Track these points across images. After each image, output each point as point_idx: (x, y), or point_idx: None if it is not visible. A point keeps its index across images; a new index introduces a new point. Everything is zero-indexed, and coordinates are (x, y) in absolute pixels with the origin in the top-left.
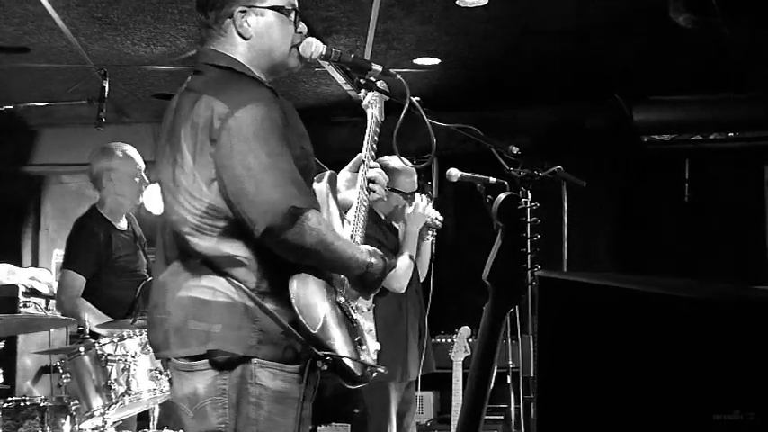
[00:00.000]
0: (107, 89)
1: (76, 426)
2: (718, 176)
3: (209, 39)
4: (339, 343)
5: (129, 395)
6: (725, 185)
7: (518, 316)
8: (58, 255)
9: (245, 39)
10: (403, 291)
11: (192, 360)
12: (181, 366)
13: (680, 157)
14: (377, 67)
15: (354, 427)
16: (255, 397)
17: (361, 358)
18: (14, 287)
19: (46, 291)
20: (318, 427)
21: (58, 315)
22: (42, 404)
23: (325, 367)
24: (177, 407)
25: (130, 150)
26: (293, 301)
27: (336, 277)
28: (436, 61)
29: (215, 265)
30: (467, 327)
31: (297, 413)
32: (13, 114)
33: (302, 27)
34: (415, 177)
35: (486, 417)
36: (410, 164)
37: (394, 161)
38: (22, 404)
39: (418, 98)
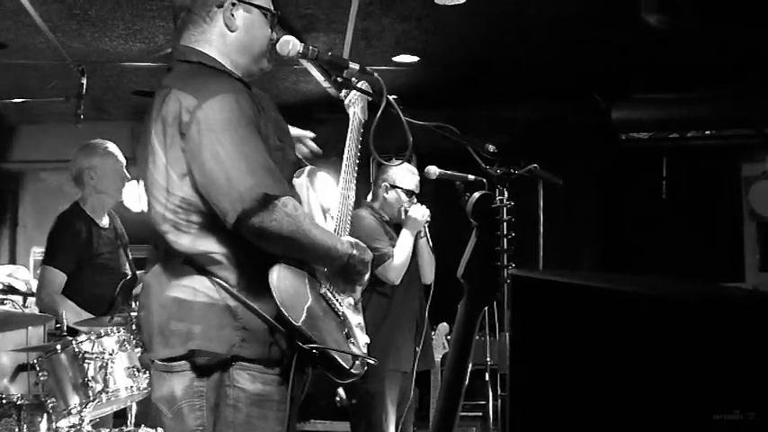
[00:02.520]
0: (85, 86)
1: (53, 424)
2: (695, 174)
3: (191, 26)
4: (325, 335)
5: (107, 393)
6: (702, 183)
7: (495, 313)
8: (35, 252)
9: (231, 30)
10: (396, 283)
11: (171, 361)
12: (160, 367)
13: (658, 154)
14: (354, 66)
15: (352, 417)
16: (234, 399)
17: (353, 351)
18: None
19: (23, 288)
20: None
21: (36, 312)
22: (19, 402)
23: (314, 362)
24: (156, 407)
25: (112, 147)
26: (274, 293)
27: (320, 270)
28: (415, 59)
29: (195, 264)
30: (445, 324)
31: (278, 415)
32: None
33: (273, 35)
34: (417, 176)
35: (465, 414)
36: (385, 162)
37: (393, 162)
38: None
39: (395, 96)
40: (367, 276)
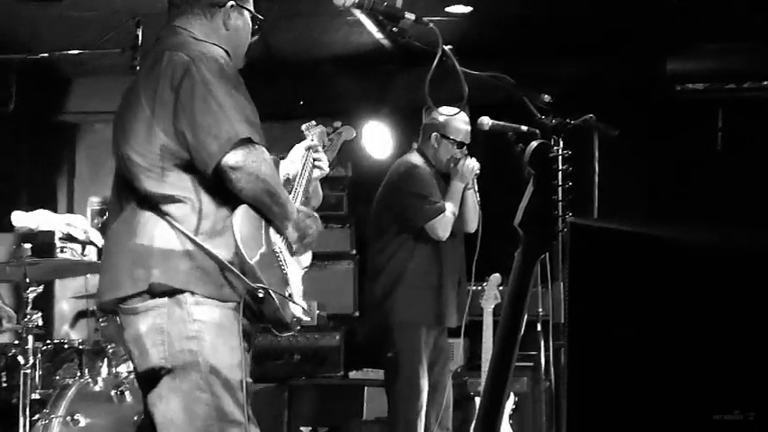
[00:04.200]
0: (140, 38)
1: (113, 369)
2: (751, 125)
3: (191, 16)
4: (270, 283)
5: None
6: (758, 134)
7: (548, 263)
8: (92, 202)
9: (226, 29)
10: (443, 239)
11: (135, 303)
12: (127, 311)
13: (713, 106)
14: (410, 16)
15: (387, 370)
16: (195, 332)
17: (293, 307)
18: (51, 233)
19: (82, 237)
20: (350, 373)
21: (94, 260)
22: (80, 347)
23: (261, 294)
24: (128, 349)
25: None
26: (235, 230)
27: (277, 228)
28: (468, 9)
29: (159, 208)
30: (497, 274)
31: (237, 344)
32: (47, 63)
33: (253, 39)
34: (468, 126)
35: (516, 364)
36: (442, 113)
37: (445, 110)
38: (61, 347)
39: (450, 46)
40: (312, 240)
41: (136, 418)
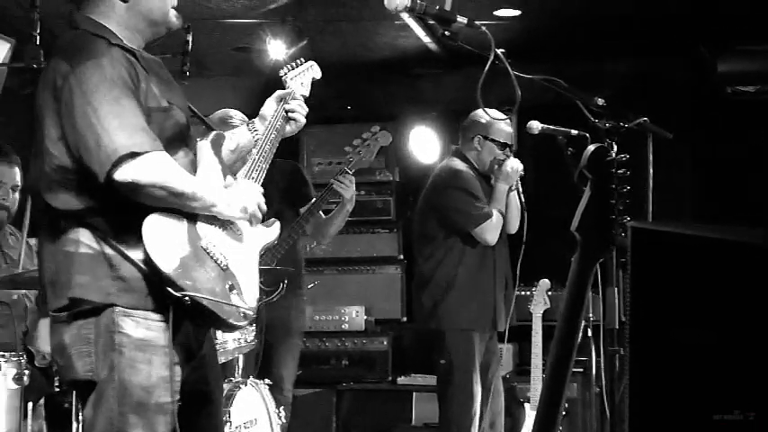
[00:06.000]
0: (190, 43)
1: None
2: None
3: (86, 0)
4: (200, 285)
5: (216, 344)
6: None
7: (598, 268)
8: None
9: (124, 1)
10: (492, 244)
11: (60, 311)
12: (54, 318)
13: (765, 108)
14: (461, 19)
15: (439, 376)
16: (118, 345)
17: (233, 302)
18: None
19: None
20: (398, 378)
21: None
22: None
23: (188, 301)
24: (53, 358)
25: None
26: (144, 240)
27: (212, 219)
28: (517, 12)
29: (80, 220)
30: (546, 279)
31: (164, 360)
32: None
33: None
34: (511, 129)
35: None
36: (491, 116)
37: (490, 112)
38: None
39: (503, 50)
40: (254, 204)
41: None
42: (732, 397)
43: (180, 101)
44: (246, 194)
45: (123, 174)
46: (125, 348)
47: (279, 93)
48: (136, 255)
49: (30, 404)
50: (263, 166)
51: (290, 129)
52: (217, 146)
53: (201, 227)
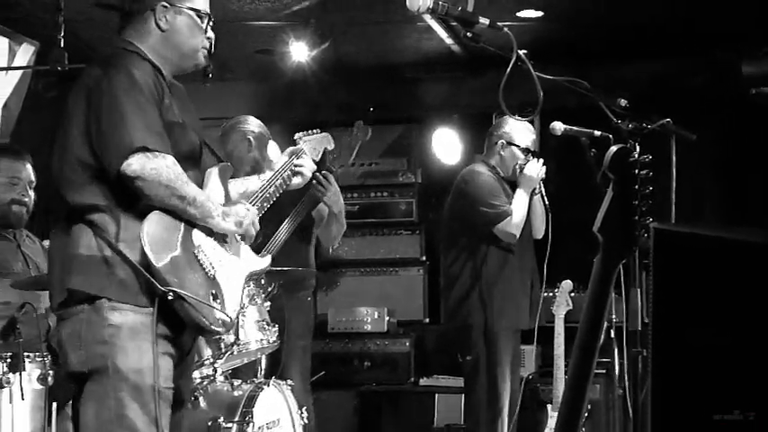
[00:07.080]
0: (213, 45)
1: None
2: None
3: (127, 26)
4: (185, 284)
5: (238, 345)
6: None
7: (620, 269)
8: None
9: (162, 30)
10: (514, 241)
11: (62, 309)
12: (58, 317)
13: None
14: (484, 21)
15: (467, 375)
16: (108, 336)
17: (214, 309)
18: None
19: None
20: (420, 379)
21: None
22: None
23: (171, 296)
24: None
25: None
26: (142, 234)
27: (207, 229)
28: (539, 14)
29: (83, 217)
30: (568, 281)
31: (153, 347)
32: None
33: (210, 34)
34: (534, 134)
35: None
36: (516, 117)
37: (512, 117)
38: None
39: (525, 51)
40: (251, 223)
41: (210, 423)
42: (732, 397)
43: (197, 126)
44: (243, 212)
45: (133, 165)
46: (115, 338)
47: (292, 148)
48: (133, 256)
49: (54, 405)
50: (264, 204)
51: (296, 181)
52: (224, 176)
53: (197, 236)
